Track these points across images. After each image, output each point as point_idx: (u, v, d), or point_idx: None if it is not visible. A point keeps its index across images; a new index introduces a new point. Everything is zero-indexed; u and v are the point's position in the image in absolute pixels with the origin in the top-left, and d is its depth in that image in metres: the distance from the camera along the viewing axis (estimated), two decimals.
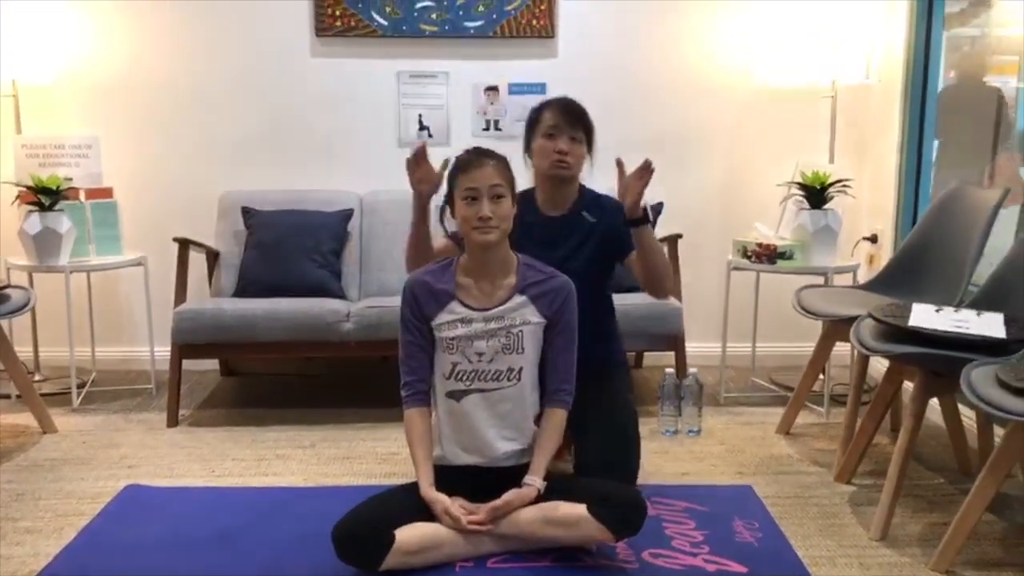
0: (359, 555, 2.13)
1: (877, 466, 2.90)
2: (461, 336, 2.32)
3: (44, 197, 3.45)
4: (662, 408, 3.28)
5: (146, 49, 3.95)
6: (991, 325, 2.39)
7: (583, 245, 2.71)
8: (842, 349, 3.80)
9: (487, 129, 4.01)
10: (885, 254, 3.77)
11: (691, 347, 3.58)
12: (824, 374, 3.50)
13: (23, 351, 3.57)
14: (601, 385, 2.64)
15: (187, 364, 3.47)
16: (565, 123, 2.63)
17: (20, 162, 3.68)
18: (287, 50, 3.98)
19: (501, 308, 2.33)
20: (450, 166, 2.37)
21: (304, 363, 4.13)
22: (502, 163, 2.31)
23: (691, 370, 3.33)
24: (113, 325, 4.11)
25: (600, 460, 2.47)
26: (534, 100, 3.89)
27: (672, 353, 3.50)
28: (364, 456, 3.04)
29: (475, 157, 2.30)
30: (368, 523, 2.13)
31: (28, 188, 3.47)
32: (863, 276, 3.64)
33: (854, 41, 3.65)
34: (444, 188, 2.41)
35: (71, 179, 3.59)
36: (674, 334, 3.45)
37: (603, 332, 2.76)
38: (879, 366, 3.47)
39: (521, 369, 2.33)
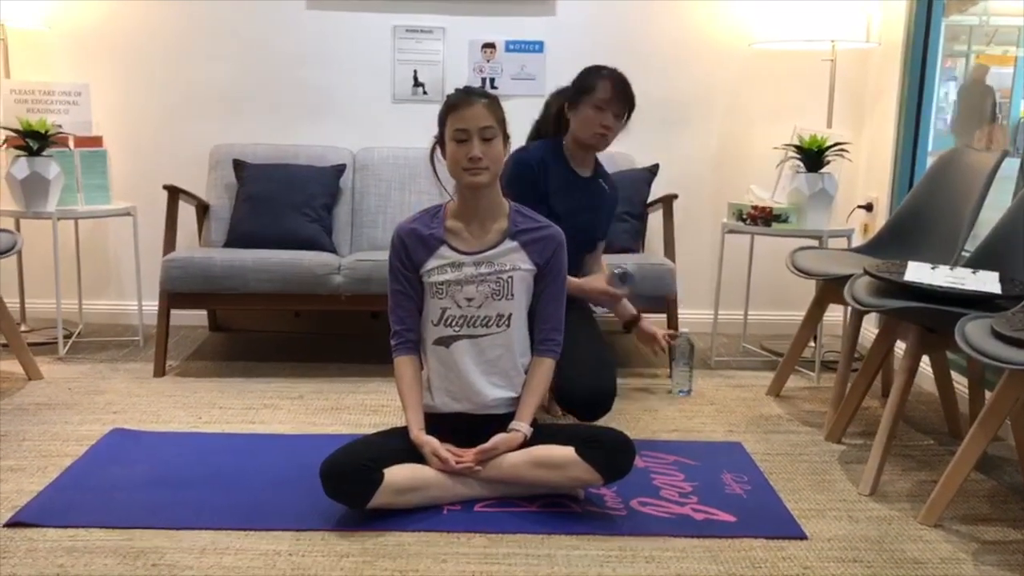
0: (347, 491, 2.11)
1: (868, 427, 2.90)
2: (451, 281, 2.29)
3: (32, 141, 3.40)
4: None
5: None
6: (986, 282, 2.38)
7: (597, 208, 2.94)
8: (834, 318, 3.82)
9: (483, 87, 3.97)
10: (880, 222, 3.75)
11: (682, 313, 3.55)
12: (816, 339, 3.49)
13: (9, 302, 3.52)
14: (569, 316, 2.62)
15: (175, 320, 3.43)
16: (616, 101, 2.78)
17: (8, 107, 3.62)
18: (283, 1, 3.92)
19: (491, 252, 2.31)
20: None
21: (294, 320, 4.10)
22: (493, 103, 2.27)
23: (683, 330, 3.31)
24: (100, 278, 4.08)
25: (584, 372, 2.56)
26: (531, 58, 3.97)
27: (664, 316, 3.48)
28: (353, 407, 3.02)
29: (465, 97, 2.25)
30: (357, 460, 2.11)
31: (16, 132, 3.42)
32: (858, 244, 3.62)
33: (855, 4, 3.61)
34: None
35: (60, 126, 3.54)
36: (667, 295, 3.42)
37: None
38: (870, 335, 3.46)
39: (510, 315, 2.31)
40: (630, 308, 3.08)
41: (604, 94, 2.76)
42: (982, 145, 3.47)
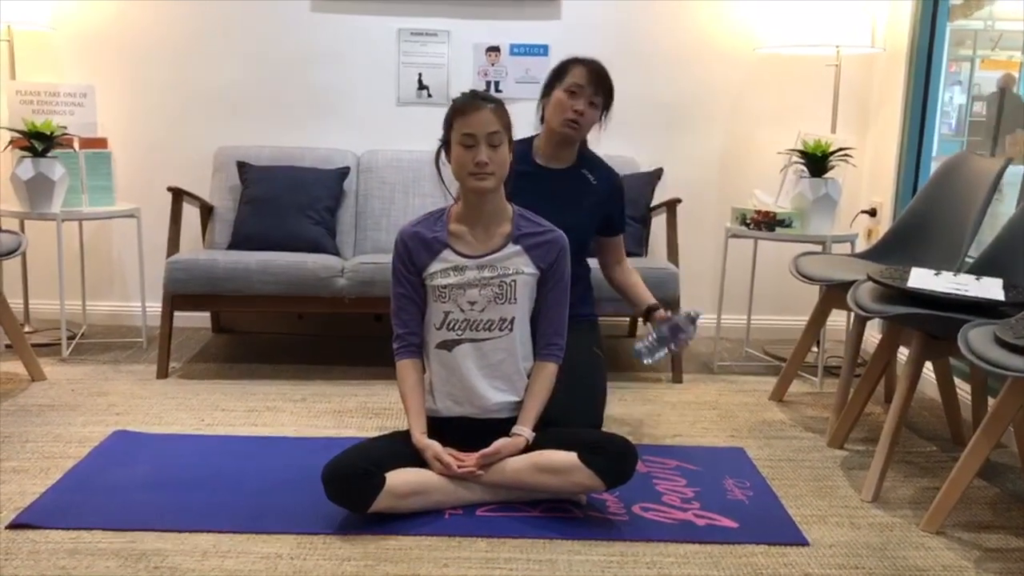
0: (349, 495, 2.11)
1: (870, 433, 2.90)
2: (453, 284, 2.29)
3: (37, 142, 3.41)
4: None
5: None
6: (990, 289, 2.38)
7: (582, 202, 2.75)
8: (837, 323, 3.81)
9: (487, 90, 3.96)
10: (884, 227, 3.74)
11: None
12: (819, 344, 3.49)
13: (12, 303, 3.53)
14: (570, 337, 2.54)
15: (178, 321, 3.44)
16: (589, 85, 2.67)
17: (14, 108, 3.62)
18: (287, 3, 3.93)
19: (494, 256, 2.31)
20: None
21: (297, 323, 4.11)
22: (500, 107, 2.27)
23: (696, 310, 2.71)
24: (104, 279, 4.09)
25: (563, 409, 2.42)
26: (536, 62, 3.97)
27: None
28: (355, 410, 3.02)
29: (472, 101, 2.25)
30: (360, 464, 2.11)
31: (21, 133, 3.43)
32: (861, 249, 3.62)
33: (860, 8, 3.61)
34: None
35: (65, 127, 3.55)
36: (670, 298, 3.41)
37: (579, 289, 2.75)
38: (873, 341, 3.46)
39: (513, 319, 2.31)
40: (648, 297, 2.83)
41: (578, 78, 2.66)
42: (1016, 152, 3.44)
